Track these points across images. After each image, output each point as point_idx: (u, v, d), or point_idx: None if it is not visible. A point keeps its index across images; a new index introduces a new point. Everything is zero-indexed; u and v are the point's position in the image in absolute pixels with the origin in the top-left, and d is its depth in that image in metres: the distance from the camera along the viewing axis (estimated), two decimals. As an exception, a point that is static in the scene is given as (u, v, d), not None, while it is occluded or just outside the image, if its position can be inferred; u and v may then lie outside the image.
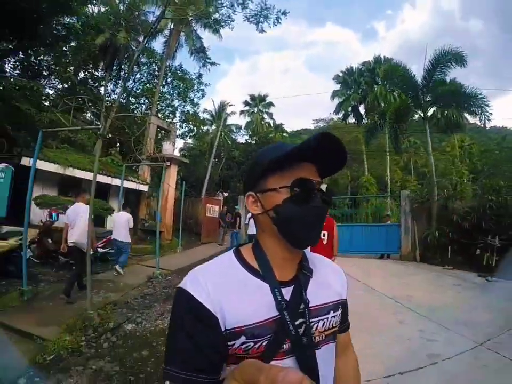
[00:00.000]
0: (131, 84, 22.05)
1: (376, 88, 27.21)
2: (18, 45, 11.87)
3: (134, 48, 20.38)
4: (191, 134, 29.31)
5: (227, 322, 0.70)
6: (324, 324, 0.82)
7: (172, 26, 20.76)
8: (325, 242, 4.11)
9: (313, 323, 0.80)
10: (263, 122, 38.36)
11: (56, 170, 10.22)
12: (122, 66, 21.32)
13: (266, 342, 0.72)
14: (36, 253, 7.06)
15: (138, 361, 3.41)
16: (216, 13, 21.07)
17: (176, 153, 21.39)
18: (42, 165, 9.91)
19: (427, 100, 14.04)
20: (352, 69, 30.82)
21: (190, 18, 21.44)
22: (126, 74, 21.63)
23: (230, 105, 29.96)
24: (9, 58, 11.91)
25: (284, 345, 0.74)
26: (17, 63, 12.65)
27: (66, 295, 5.05)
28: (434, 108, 14.64)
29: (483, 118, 13.80)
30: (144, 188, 13.37)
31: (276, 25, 18.40)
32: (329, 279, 0.90)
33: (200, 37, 22.84)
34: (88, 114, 19.24)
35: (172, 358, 0.68)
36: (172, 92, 24.58)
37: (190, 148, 31.30)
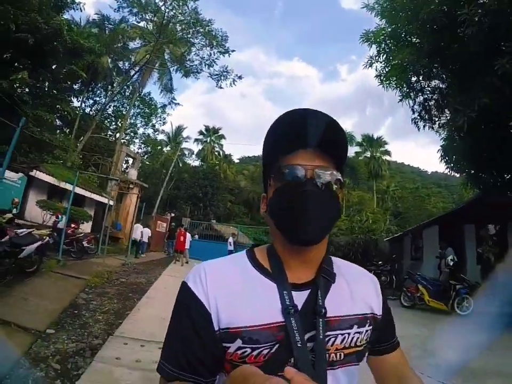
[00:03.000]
0: (103, 99, 25.31)
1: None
2: (33, 74, 15.45)
3: (111, 69, 24.12)
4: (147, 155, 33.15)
5: (221, 320, 0.66)
6: (343, 340, 0.70)
7: (148, 57, 23.25)
8: (182, 240, 11.47)
9: (329, 337, 0.69)
10: (213, 151, 42.81)
11: (54, 182, 13.96)
12: (99, 85, 24.71)
13: (267, 351, 0.65)
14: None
15: (133, 287, 7.77)
16: (188, 62, 25.32)
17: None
18: (44, 177, 13.66)
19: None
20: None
21: (165, 62, 26.00)
22: (102, 95, 25.20)
23: (185, 140, 33.95)
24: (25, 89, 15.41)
25: (291, 359, 0.63)
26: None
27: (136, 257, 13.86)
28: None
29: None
30: (112, 202, 17.20)
31: (231, 86, 23.71)
32: (357, 287, 0.78)
33: (172, 77, 27.27)
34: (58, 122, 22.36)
35: (164, 352, 0.69)
36: (136, 114, 28.19)
37: (143, 165, 34.52)
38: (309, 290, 0.71)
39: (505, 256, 9.59)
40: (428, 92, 9.91)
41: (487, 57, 6.26)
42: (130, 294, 7.08)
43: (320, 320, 0.67)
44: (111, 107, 26.42)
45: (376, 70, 9.90)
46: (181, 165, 37.13)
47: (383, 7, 8.70)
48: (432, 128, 10.31)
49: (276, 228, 0.73)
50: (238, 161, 58.30)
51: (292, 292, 0.69)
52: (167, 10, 21.51)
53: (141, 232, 15.24)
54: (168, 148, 37.73)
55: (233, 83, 23.48)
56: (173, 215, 23.43)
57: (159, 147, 34.67)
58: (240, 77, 23.77)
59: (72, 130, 20.54)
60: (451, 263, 8.99)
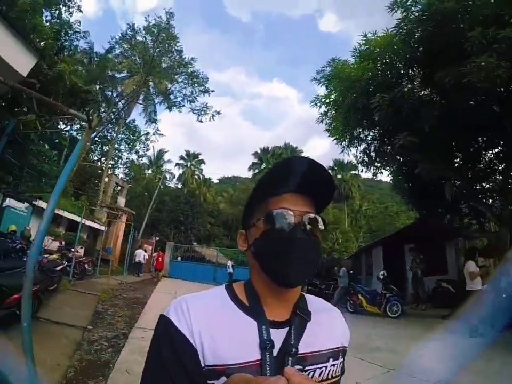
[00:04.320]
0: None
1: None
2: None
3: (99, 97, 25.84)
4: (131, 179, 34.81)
5: (206, 358, 0.67)
6: (321, 373, 0.75)
7: (134, 87, 25.72)
8: (160, 260, 14.75)
9: (309, 371, 0.74)
10: (193, 175, 44.77)
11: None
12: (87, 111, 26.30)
13: None
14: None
15: (134, 300, 9.89)
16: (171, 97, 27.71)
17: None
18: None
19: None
20: (268, 149, 40.23)
21: (151, 95, 28.25)
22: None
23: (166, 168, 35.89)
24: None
25: None
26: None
27: (137, 275, 17.52)
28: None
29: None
30: (103, 228, 19.11)
31: (210, 120, 26.32)
32: (329, 324, 0.85)
33: (156, 108, 29.48)
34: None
35: None
36: (121, 140, 29.83)
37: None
38: (287, 328, 0.74)
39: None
40: (369, 140, 12.54)
41: (392, 133, 8.91)
42: (134, 305, 9.22)
43: (290, 358, 0.69)
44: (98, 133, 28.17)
45: (326, 125, 12.53)
46: (162, 187, 38.77)
47: (329, 80, 11.42)
48: (370, 171, 12.92)
49: (261, 269, 0.75)
50: (217, 181, 60.40)
51: (271, 329, 0.72)
52: (155, 50, 24.08)
53: (143, 256, 18.54)
54: (149, 171, 39.53)
55: (213, 118, 26.27)
56: (157, 239, 25.27)
57: (143, 172, 36.40)
58: (219, 112, 26.61)
59: (60, 154, 22.12)
60: (381, 277, 11.45)
